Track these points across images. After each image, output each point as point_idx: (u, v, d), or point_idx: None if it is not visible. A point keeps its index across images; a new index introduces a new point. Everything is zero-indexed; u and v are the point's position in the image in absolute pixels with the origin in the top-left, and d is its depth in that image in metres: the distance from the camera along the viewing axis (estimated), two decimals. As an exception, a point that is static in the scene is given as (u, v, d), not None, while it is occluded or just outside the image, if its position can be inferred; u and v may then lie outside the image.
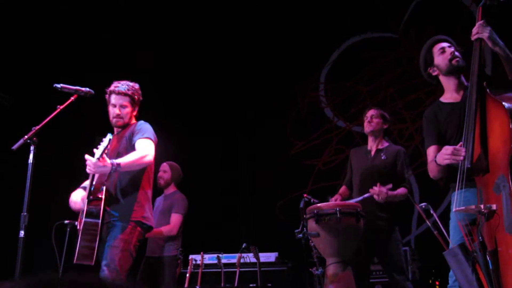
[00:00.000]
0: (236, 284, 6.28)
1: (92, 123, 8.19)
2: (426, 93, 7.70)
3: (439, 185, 3.73)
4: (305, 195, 5.12)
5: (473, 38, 3.33)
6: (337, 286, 4.49)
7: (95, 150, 3.84)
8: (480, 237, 2.89)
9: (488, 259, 2.81)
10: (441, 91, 3.82)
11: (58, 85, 3.99)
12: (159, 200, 6.34)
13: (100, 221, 3.93)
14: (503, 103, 3.02)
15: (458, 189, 3.09)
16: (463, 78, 3.65)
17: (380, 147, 5.16)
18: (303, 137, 8.92)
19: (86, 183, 4.25)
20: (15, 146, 3.72)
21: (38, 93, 7.16)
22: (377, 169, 5.05)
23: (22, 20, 7.84)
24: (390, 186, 4.75)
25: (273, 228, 8.58)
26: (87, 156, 3.81)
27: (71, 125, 7.27)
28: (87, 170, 3.87)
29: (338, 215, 4.50)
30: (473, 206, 2.97)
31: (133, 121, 4.40)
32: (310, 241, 4.96)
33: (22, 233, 3.65)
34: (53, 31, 8.04)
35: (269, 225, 8.72)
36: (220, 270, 6.44)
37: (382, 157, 5.07)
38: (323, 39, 8.78)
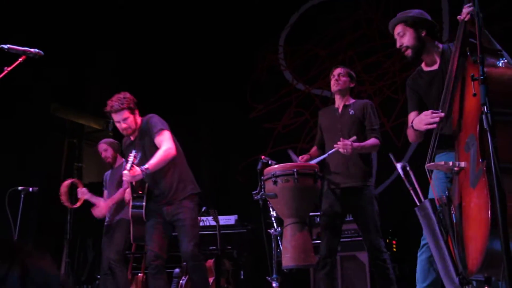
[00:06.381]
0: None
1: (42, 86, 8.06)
2: (385, 55, 7.68)
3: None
4: (262, 156, 5.07)
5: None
6: (295, 246, 4.51)
7: (125, 162, 4.57)
8: (446, 192, 2.97)
9: (452, 213, 2.87)
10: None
11: (5, 46, 3.85)
12: (108, 174, 6.43)
13: (143, 211, 4.78)
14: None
15: (434, 152, 3.15)
16: (437, 44, 3.69)
17: (346, 103, 5.08)
18: (263, 100, 8.89)
19: None
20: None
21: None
22: (346, 125, 4.96)
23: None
24: (354, 138, 4.68)
25: (233, 191, 8.58)
26: (124, 172, 4.45)
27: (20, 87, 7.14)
28: (124, 179, 4.60)
29: (295, 176, 4.50)
30: (442, 162, 3.03)
31: (139, 120, 4.91)
32: (268, 203, 4.95)
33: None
34: None
35: (229, 188, 8.73)
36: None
37: (350, 112, 4.96)
38: (282, 2, 8.71)
